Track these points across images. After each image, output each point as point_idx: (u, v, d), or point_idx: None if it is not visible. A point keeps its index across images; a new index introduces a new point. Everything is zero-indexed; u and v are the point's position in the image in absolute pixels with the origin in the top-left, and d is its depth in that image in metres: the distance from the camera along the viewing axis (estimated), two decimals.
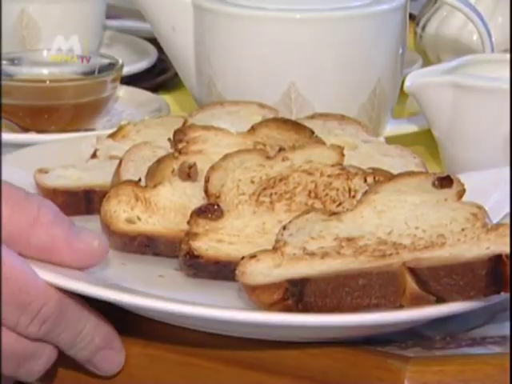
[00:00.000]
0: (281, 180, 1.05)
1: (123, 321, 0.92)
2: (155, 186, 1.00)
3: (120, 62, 1.29)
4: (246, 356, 0.91)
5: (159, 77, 1.42)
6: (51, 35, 1.40)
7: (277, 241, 0.92)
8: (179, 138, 1.08)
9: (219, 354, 0.91)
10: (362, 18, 1.21)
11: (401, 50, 1.24)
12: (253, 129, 1.11)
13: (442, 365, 0.84)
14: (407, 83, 1.14)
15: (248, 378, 0.91)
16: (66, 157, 1.13)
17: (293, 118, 1.17)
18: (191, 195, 1.02)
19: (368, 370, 0.85)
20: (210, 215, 1.02)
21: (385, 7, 1.19)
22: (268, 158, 1.05)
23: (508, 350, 0.88)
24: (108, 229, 1.00)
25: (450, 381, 0.83)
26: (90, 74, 1.28)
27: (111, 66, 1.28)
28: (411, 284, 0.89)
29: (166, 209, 1.02)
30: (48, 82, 1.26)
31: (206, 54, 1.25)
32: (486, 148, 1.18)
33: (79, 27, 1.44)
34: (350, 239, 0.95)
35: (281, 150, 1.08)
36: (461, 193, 0.95)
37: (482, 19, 1.23)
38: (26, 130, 1.24)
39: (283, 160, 1.05)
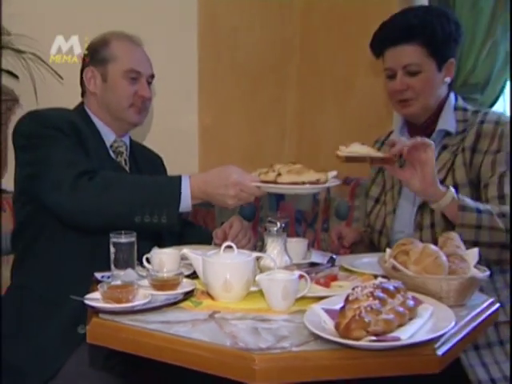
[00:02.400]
0: None
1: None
2: None
3: (184, 273, 1.34)
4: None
5: (194, 275, 1.34)
6: (169, 264, 1.34)
7: None
8: None
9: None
10: (245, 261, 1.26)
11: None
12: None
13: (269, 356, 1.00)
14: None
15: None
16: None
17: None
18: None
19: (234, 359, 1.01)
20: None
21: (249, 258, 1.27)
22: None
23: None
24: None
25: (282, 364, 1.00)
26: (178, 274, 1.30)
27: (181, 274, 1.31)
28: None
29: None
30: (166, 279, 1.28)
31: (205, 273, 1.28)
32: None
33: (174, 262, 1.36)
34: None
35: None
36: None
37: None
38: (158, 290, 1.26)
39: None
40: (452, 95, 1.69)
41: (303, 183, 1.41)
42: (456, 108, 1.66)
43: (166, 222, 1.43)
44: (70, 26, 2.03)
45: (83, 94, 1.76)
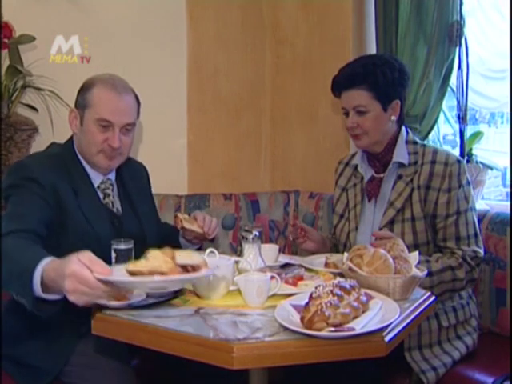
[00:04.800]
0: None
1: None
2: None
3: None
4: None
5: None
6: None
7: None
8: None
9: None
10: (226, 265, 1.24)
11: None
12: None
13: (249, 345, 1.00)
14: None
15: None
16: None
17: None
18: None
19: (215, 348, 1.00)
20: None
21: (229, 262, 1.25)
22: None
23: None
24: None
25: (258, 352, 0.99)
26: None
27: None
28: None
29: None
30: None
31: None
32: None
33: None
34: None
35: None
36: None
37: None
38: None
39: None
40: (404, 130, 1.65)
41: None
42: (407, 141, 1.63)
43: (28, 307, 1.11)
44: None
45: None
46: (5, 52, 1.83)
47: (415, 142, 1.64)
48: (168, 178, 1.91)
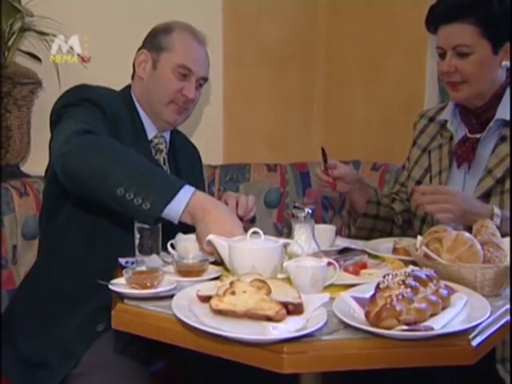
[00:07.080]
0: None
1: None
2: None
3: (209, 259, 1.33)
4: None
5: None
6: (194, 251, 1.36)
7: None
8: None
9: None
10: (273, 248, 1.25)
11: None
12: None
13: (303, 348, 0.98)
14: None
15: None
16: None
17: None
18: None
19: (262, 347, 0.98)
20: None
21: (276, 245, 1.26)
22: None
23: None
24: None
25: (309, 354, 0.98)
26: (203, 260, 1.30)
27: (206, 260, 1.32)
28: None
29: None
30: (191, 265, 1.28)
31: (232, 260, 1.26)
32: None
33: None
34: None
35: None
36: None
37: None
38: (183, 276, 1.26)
39: None
40: None
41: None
42: None
43: (147, 209, 1.27)
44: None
45: (133, 77, 1.72)
46: None
47: None
48: (200, 144, 1.92)
